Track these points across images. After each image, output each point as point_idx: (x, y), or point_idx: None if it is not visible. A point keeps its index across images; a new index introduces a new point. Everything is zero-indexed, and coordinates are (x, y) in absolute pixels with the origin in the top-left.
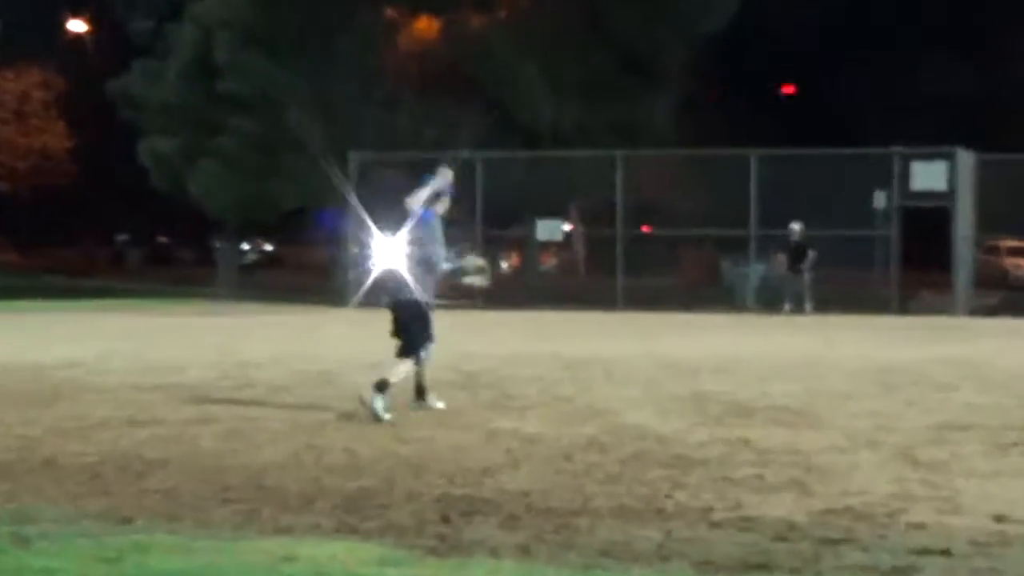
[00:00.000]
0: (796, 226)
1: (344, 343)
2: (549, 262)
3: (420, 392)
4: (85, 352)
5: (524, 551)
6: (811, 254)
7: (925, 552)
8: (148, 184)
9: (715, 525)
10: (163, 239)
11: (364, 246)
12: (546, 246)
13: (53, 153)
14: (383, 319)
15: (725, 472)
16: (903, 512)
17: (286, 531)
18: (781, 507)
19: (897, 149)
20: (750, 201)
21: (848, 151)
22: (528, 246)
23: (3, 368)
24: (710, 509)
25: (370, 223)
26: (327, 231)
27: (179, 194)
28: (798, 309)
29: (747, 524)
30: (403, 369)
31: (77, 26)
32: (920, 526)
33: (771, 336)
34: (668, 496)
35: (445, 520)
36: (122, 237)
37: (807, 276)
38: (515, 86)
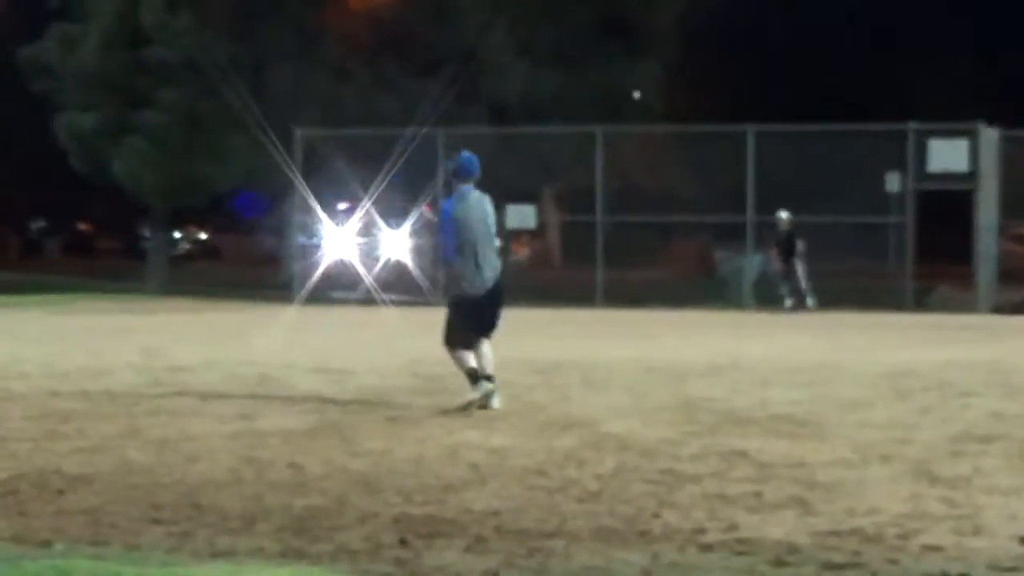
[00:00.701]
0: (784, 214)
1: (287, 344)
2: (520, 252)
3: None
4: None
5: None
6: (800, 244)
7: None
8: (66, 164)
9: (707, 548)
10: (84, 226)
11: (312, 235)
12: (517, 235)
13: None
14: (331, 317)
15: (719, 489)
16: (917, 533)
17: (225, 555)
18: (781, 528)
19: (913, 125)
20: (747, 183)
21: (857, 127)
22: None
23: None
24: (702, 530)
25: (318, 208)
26: (261, 218)
27: (101, 175)
28: (799, 305)
29: (743, 547)
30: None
31: None
32: (936, 548)
33: (771, 336)
34: (655, 516)
35: (403, 543)
36: (37, 224)
37: (800, 268)
38: (480, 51)
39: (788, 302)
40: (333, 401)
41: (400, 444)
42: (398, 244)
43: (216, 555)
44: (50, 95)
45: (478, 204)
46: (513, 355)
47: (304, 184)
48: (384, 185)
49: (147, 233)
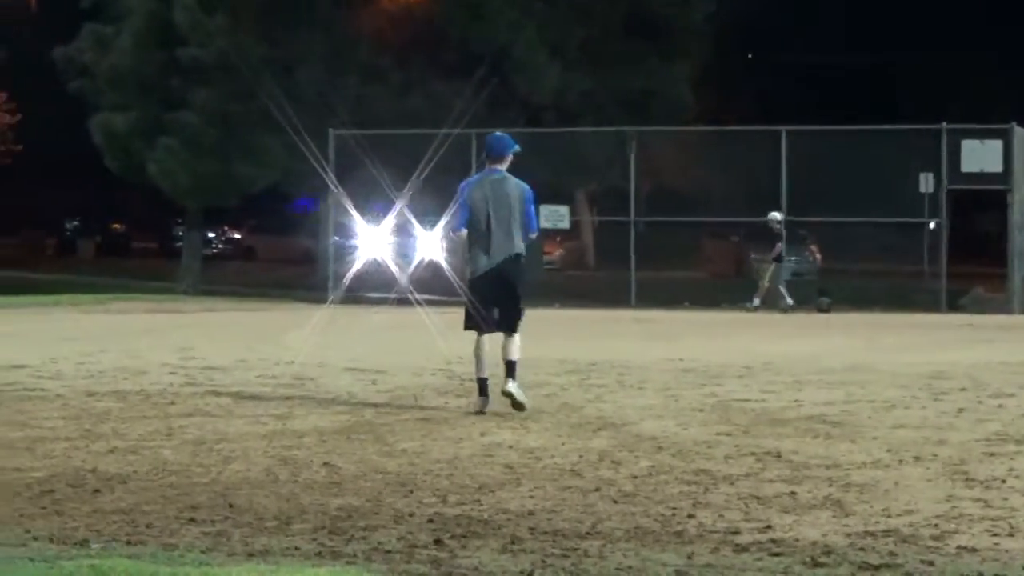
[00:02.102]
0: (777, 215)
1: (322, 344)
2: (554, 253)
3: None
4: (29, 354)
5: None
6: (779, 245)
7: None
8: (101, 164)
9: (741, 549)
10: (118, 226)
11: (346, 235)
12: (550, 236)
13: None
14: (365, 317)
15: (753, 489)
16: (952, 534)
17: (260, 555)
18: (816, 528)
19: (946, 125)
20: (780, 184)
21: (891, 127)
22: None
23: None
24: (736, 531)
25: (353, 209)
26: (303, 219)
27: (136, 175)
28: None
29: (778, 548)
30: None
31: None
32: (971, 550)
33: (805, 337)
34: (689, 516)
35: (438, 543)
36: (72, 224)
37: (773, 270)
38: (512, 52)
39: (756, 301)
40: (368, 401)
41: (435, 444)
42: (432, 245)
43: (252, 555)
44: (85, 95)
45: (497, 188)
46: (548, 355)
47: (338, 185)
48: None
49: (181, 233)
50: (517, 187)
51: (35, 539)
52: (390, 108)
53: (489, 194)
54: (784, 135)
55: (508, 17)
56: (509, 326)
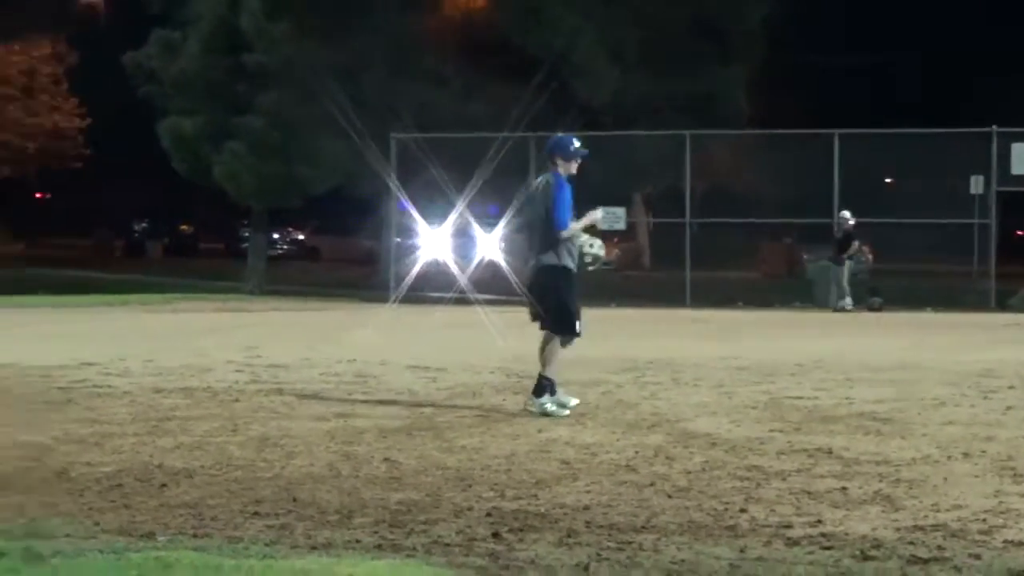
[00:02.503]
0: (846, 213)
1: (384, 342)
2: (611, 254)
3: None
4: (99, 352)
5: (583, 570)
6: (855, 243)
7: None
8: (169, 167)
9: (793, 542)
10: (185, 227)
11: (409, 236)
12: (607, 237)
13: (64, 133)
14: (426, 316)
15: (804, 485)
16: (1000, 529)
17: (322, 548)
18: (866, 523)
19: (996, 128)
20: (833, 186)
21: (942, 130)
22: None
23: (6, 369)
24: (788, 525)
25: (414, 211)
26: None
27: (202, 178)
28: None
29: (828, 541)
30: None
31: None
32: (1019, 544)
33: (856, 336)
34: (742, 511)
35: (496, 536)
36: (141, 225)
37: (848, 268)
38: (572, 57)
39: (840, 302)
40: (428, 398)
41: (493, 440)
42: (491, 245)
43: (314, 548)
44: (153, 100)
45: (537, 190)
46: (604, 353)
47: (399, 187)
48: (477, 188)
49: (246, 234)
50: (547, 188)
51: (104, 532)
52: (451, 112)
53: (531, 198)
54: (836, 138)
55: (568, 23)
56: (542, 325)
